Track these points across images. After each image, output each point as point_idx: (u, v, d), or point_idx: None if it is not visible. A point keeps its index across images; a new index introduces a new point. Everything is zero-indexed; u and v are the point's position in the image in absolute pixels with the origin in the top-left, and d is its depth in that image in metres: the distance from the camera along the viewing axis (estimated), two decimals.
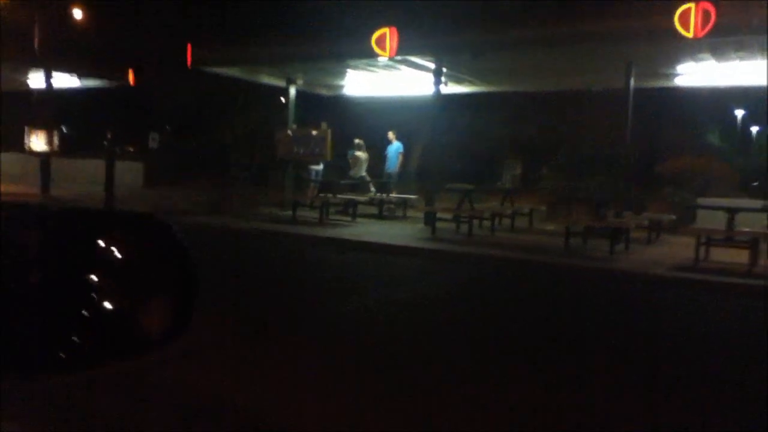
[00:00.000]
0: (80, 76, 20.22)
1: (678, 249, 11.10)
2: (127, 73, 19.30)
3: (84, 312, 1.21)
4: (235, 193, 16.77)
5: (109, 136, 17.09)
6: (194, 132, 22.14)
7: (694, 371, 5.09)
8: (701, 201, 12.83)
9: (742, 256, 9.37)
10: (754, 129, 30.09)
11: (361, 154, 16.47)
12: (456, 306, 7.46)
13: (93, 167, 17.81)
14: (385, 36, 12.87)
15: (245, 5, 24.08)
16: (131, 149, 21.31)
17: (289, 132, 15.72)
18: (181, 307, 1.38)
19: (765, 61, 12.08)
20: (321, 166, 16.13)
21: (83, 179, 18.48)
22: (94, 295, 1.23)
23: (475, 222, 12.56)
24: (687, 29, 10.42)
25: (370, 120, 19.15)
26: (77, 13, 24.75)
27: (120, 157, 17.24)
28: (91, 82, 21.17)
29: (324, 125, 15.49)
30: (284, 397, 4.22)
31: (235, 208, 14.96)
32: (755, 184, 19.73)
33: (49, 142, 18.35)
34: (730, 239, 9.58)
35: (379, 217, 15.13)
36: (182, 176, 19.31)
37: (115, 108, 22.08)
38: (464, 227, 12.36)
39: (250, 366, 4.77)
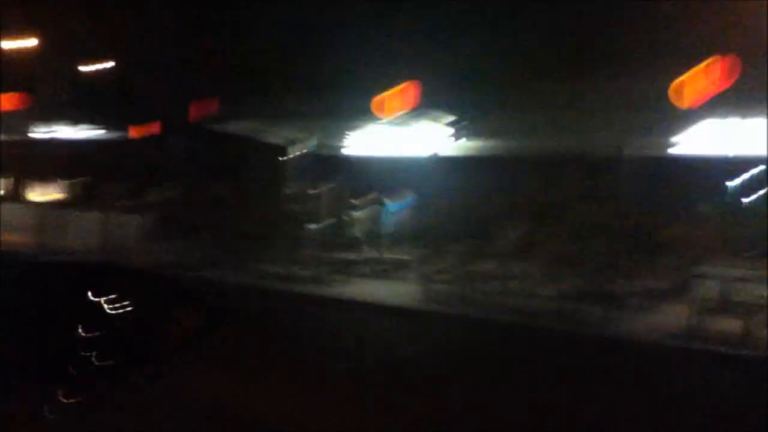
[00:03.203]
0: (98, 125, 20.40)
1: (673, 317, 11.05)
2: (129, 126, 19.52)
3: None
4: (236, 248, 16.76)
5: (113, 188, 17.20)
6: (192, 189, 22.19)
7: None
8: (696, 269, 12.81)
9: (736, 326, 9.34)
10: (747, 198, 30.18)
11: (360, 214, 16.54)
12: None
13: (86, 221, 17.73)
14: (399, 93, 13.04)
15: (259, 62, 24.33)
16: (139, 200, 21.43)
17: (287, 189, 15.84)
18: None
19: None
20: (317, 225, 16.15)
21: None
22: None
23: (470, 284, 12.53)
24: (681, 100, 10.60)
25: (374, 178, 19.23)
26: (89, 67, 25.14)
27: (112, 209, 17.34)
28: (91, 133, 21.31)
29: (325, 183, 15.61)
30: None
31: (235, 262, 14.95)
32: (748, 254, 19.69)
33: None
34: (725, 309, 9.57)
35: (374, 276, 15.07)
36: (183, 230, 19.31)
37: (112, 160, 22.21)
38: (459, 289, 12.33)
39: None
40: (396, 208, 16.86)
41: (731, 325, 9.48)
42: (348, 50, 22.37)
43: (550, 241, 18.54)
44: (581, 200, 19.79)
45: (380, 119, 13.64)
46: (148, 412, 4.58)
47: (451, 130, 13.96)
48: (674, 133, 13.41)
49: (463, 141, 15.60)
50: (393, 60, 21.02)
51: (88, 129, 20.68)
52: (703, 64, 10.49)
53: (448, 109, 13.38)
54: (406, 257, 15.70)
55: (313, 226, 16.11)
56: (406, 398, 5.96)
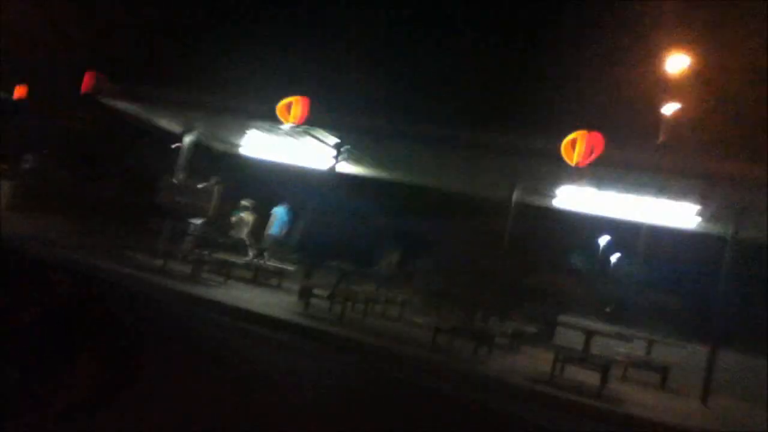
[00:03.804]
0: None
1: (536, 361, 11.55)
2: (17, 87, 18.34)
3: None
4: (106, 231, 16.00)
5: None
6: (75, 162, 21.13)
7: None
8: (562, 319, 13.50)
9: (593, 377, 9.85)
10: (615, 258, 32.40)
11: (247, 216, 16.26)
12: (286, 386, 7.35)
13: None
14: (293, 104, 12.98)
15: (162, 48, 23.71)
16: (5, 166, 19.96)
17: (175, 180, 15.31)
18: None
19: (636, 197, 13.13)
20: (201, 221, 15.73)
21: None
22: None
23: (349, 304, 12.55)
24: (571, 157, 11.16)
25: (265, 183, 19.01)
26: None
27: None
28: None
29: (214, 180, 15.24)
30: None
31: (102, 246, 14.24)
32: (608, 310, 21.00)
33: None
34: (584, 360, 10.06)
35: (253, 282, 14.84)
36: (54, 204, 18.24)
37: None
38: (337, 307, 12.32)
39: None
40: (285, 217, 16.71)
41: (587, 375, 10.00)
42: (253, 54, 22.22)
43: (429, 273, 18.98)
44: (462, 238, 20.46)
45: (280, 125, 13.47)
46: None
47: (336, 152, 14.01)
48: (559, 186, 14.07)
49: (348, 164, 15.69)
50: (292, 72, 21.10)
51: None
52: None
53: (335, 130, 13.46)
54: (288, 267, 15.56)
55: (196, 222, 15.65)
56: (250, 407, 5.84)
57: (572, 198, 14.52)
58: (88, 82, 14.91)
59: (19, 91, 18.43)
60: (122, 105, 16.04)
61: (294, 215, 17.00)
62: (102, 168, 20.97)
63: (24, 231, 14.08)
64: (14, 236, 11.96)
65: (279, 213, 16.70)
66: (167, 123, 16.70)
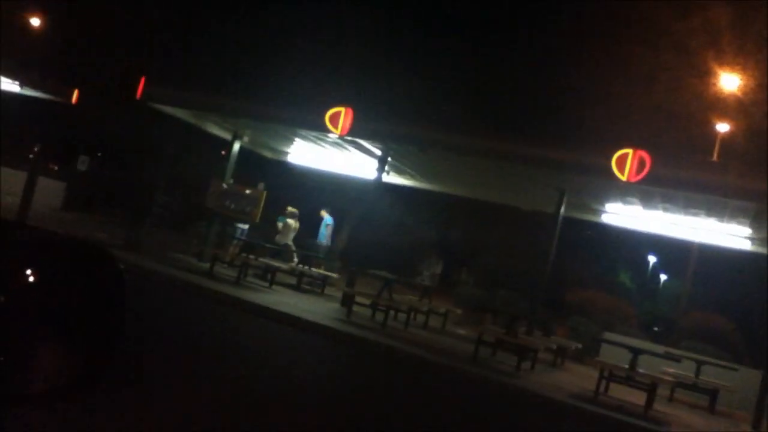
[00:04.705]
0: (22, 83, 19.58)
1: (580, 378, 11.36)
2: (71, 91, 18.82)
3: None
4: (154, 233, 16.29)
5: (36, 149, 16.46)
6: (127, 165, 21.61)
7: None
8: (607, 336, 13.26)
9: (638, 397, 9.64)
10: (663, 277, 31.74)
11: (292, 222, 16.41)
12: (338, 393, 7.34)
13: (14, 178, 17.01)
14: (340, 114, 13.06)
15: (212, 54, 24.18)
16: (56, 167, 20.55)
17: (224, 185, 15.54)
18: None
19: (685, 216, 12.89)
20: (247, 226, 15.94)
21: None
22: None
23: (391, 313, 12.54)
24: (622, 172, 11.01)
25: (309, 191, 19.18)
26: (33, 21, 24.25)
27: (43, 173, 16.58)
28: (32, 92, 20.50)
29: (260, 186, 15.43)
30: None
31: (152, 248, 14.51)
32: (656, 329, 20.58)
33: None
34: (630, 378, 9.86)
35: (297, 288, 14.95)
36: (104, 206, 18.68)
37: (51, 123, 21.39)
38: (379, 315, 12.32)
39: None
40: (330, 225, 16.82)
41: (632, 395, 9.80)
42: (300, 64, 22.50)
43: (472, 285, 18.84)
44: (508, 251, 20.29)
45: (328, 134, 13.57)
46: None
47: (381, 162, 14.02)
48: (607, 202, 13.88)
49: (393, 174, 15.71)
50: (338, 83, 21.31)
51: (28, 86, 19.72)
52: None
53: (381, 141, 13.50)
54: (332, 274, 15.64)
55: (243, 227, 15.86)
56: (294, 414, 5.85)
57: (621, 214, 14.31)
58: (142, 87, 15.25)
59: (74, 95, 18.91)
60: (174, 111, 16.37)
61: (340, 224, 17.10)
62: (152, 172, 21.39)
63: (73, 231, 14.45)
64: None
65: (324, 221, 16.82)
66: (217, 130, 16.98)
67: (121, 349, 2.12)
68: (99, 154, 22.33)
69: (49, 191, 18.13)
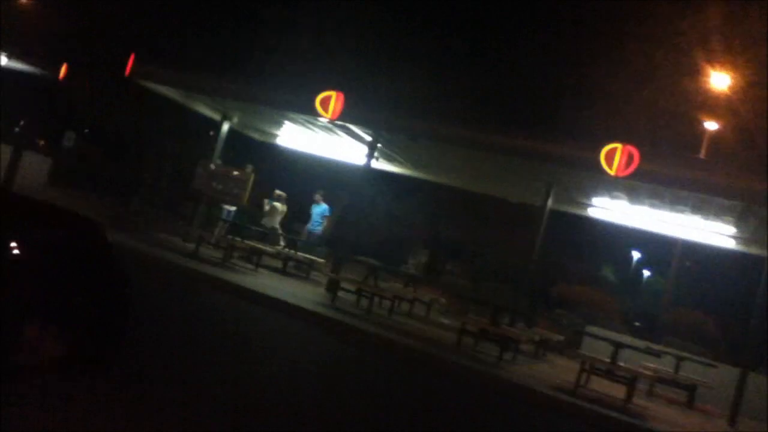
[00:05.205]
0: (9, 55, 19.33)
1: (561, 370, 11.41)
2: (59, 66, 18.61)
3: None
4: (139, 212, 16.18)
5: (22, 123, 16.28)
6: (114, 142, 21.43)
7: None
8: (590, 329, 13.33)
9: (618, 390, 9.69)
10: (647, 273, 31.95)
11: (279, 206, 16.33)
12: (322, 378, 7.34)
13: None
14: (331, 98, 12.97)
15: (203, 35, 23.97)
16: (42, 142, 20.33)
17: (212, 166, 15.42)
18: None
19: (671, 213, 12.94)
20: (234, 208, 15.84)
21: None
22: None
23: (376, 300, 12.53)
24: (610, 167, 11.02)
25: (297, 174, 19.11)
26: None
27: (29, 148, 16.39)
28: (19, 65, 20.25)
29: (249, 168, 15.33)
30: None
31: (137, 227, 14.42)
32: (638, 324, 20.73)
33: None
34: (611, 372, 9.91)
35: (282, 272, 14.90)
36: (90, 183, 18.52)
37: (39, 97, 21.15)
38: (364, 302, 12.30)
39: None
40: (318, 209, 16.75)
41: (612, 388, 9.85)
42: (291, 47, 22.35)
43: (457, 274, 18.86)
44: (493, 242, 20.35)
45: (317, 118, 13.48)
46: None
47: (371, 148, 13.95)
48: (594, 196, 13.91)
49: (382, 161, 15.65)
50: (329, 67, 21.19)
51: (16, 58, 19.47)
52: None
53: (371, 127, 13.43)
54: (318, 259, 15.60)
55: (230, 208, 15.76)
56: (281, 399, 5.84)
57: (607, 208, 14.34)
58: (131, 65, 15.08)
59: (62, 71, 18.69)
60: (163, 90, 16.20)
61: (326, 208, 17.02)
62: (139, 150, 21.24)
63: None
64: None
65: (319, 208, 16.72)
66: (206, 110, 16.84)
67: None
68: (86, 131, 22.08)
69: (35, 166, 17.92)
